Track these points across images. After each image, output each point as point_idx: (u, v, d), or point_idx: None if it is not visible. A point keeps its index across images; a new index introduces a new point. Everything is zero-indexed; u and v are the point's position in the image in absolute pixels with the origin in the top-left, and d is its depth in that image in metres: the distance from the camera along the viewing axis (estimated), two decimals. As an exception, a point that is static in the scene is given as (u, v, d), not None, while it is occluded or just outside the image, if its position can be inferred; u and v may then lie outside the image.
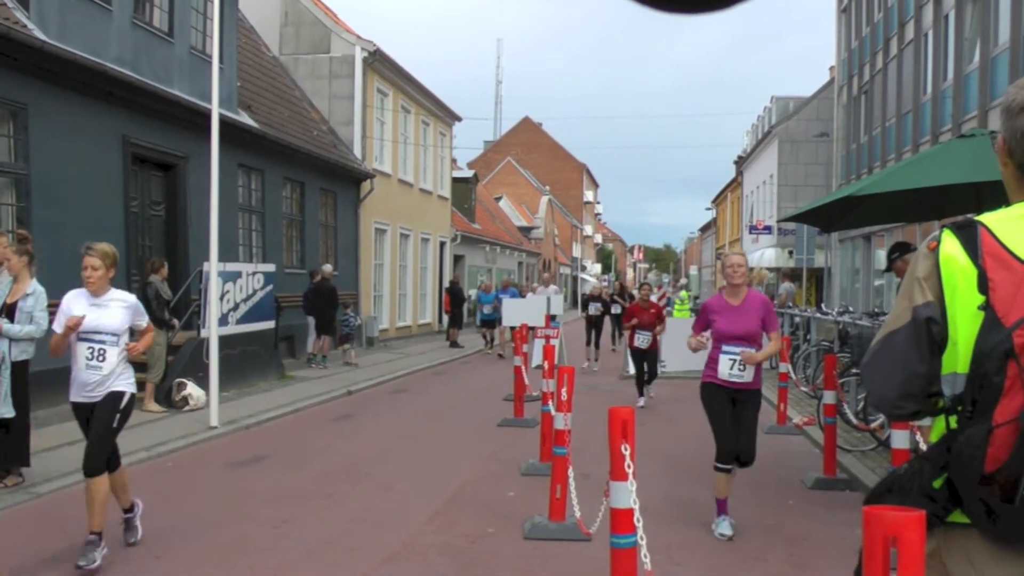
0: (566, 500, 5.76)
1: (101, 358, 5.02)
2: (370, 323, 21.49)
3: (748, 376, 5.73)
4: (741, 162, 47.27)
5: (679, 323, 14.46)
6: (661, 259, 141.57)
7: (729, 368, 5.73)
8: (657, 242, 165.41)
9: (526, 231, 48.93)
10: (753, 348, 5.75)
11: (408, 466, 8.06)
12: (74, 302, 5.07)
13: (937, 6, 20.56)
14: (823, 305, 19.89)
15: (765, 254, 35.15)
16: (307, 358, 16.68)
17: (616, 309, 19.64)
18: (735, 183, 49.60)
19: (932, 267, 1.68)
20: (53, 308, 5.55)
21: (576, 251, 69.86)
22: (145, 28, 12.59)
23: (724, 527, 5.73)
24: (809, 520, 6.23)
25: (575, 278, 66.51)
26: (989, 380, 1.57)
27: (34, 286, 6.58)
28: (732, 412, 5.79)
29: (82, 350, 5.02)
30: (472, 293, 28.01)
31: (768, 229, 34.78)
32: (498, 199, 47.97)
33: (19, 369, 6.55)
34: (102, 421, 5.03)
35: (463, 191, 33.02)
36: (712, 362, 5.85)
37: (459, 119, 29.90)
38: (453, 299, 23.51)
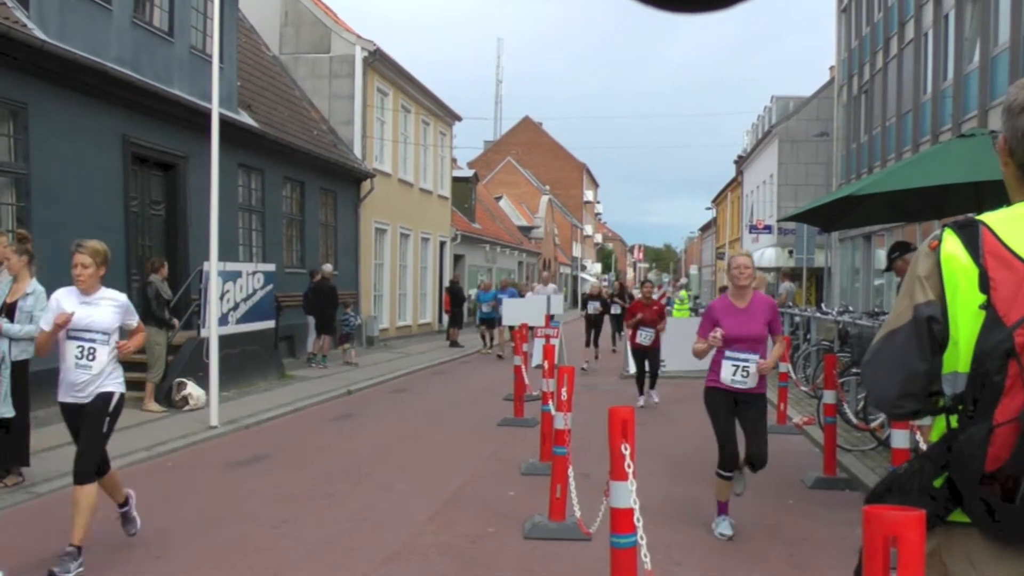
0: (566, 500, 5.75)
1: (91, 357, 4.92)
2: (370, 323, 21.49)
3: (751, 382, 5.61)
4: (741, 162, 47.27)
5: (679, 323, 14.47)
6: (661, 259, 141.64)
7: (732, 374, 5.61)
8: (657, 242, 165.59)
9: (526, 231, 48.94)
10: (758, 353, 5.64)
11: (408, 466, 8.06)
12: (64, 300, 4.98)
13: (937, 6, 20.55)
14: (823, 305, 19.90)
15: (765, 254, 35.15)
16: (307, 358, 16.68)
17: (616, 309, 19.59)
18: (735, 183, 49.60)
19: (933, 266, 1.68)
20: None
21: (576, 251, 69.88)
22: (145, 28, 12.59)
23: (724, 527, 5.73)
24: (809, 520, 6.23)
25: (575, 278, 66.54)
26: (990, 379, 1.57)
27: (34, 285, 6.58)
28: (745, 415, 5.65)
29: (71, 349, 4.91)
30: (472, 293, 28.02)
31: (768, 229, 34.79)
32: (498, 199, 47.97)
33: (19, 369, 6.55)
34: (92, 426, 4.91)
35: (463, 191, 33.02)
36: (715, 366, 5.72)
37: (459, 119, 29.91)
38: (453, 299, 23.52)
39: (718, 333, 5.54)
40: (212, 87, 9.97)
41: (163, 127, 12.93)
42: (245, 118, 15.56)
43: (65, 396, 5.00)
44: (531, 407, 10.63)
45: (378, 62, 22.00)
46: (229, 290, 12.04)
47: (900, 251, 7.66)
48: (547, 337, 14.42)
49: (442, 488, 7.12)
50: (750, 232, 38.35)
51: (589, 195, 76.79)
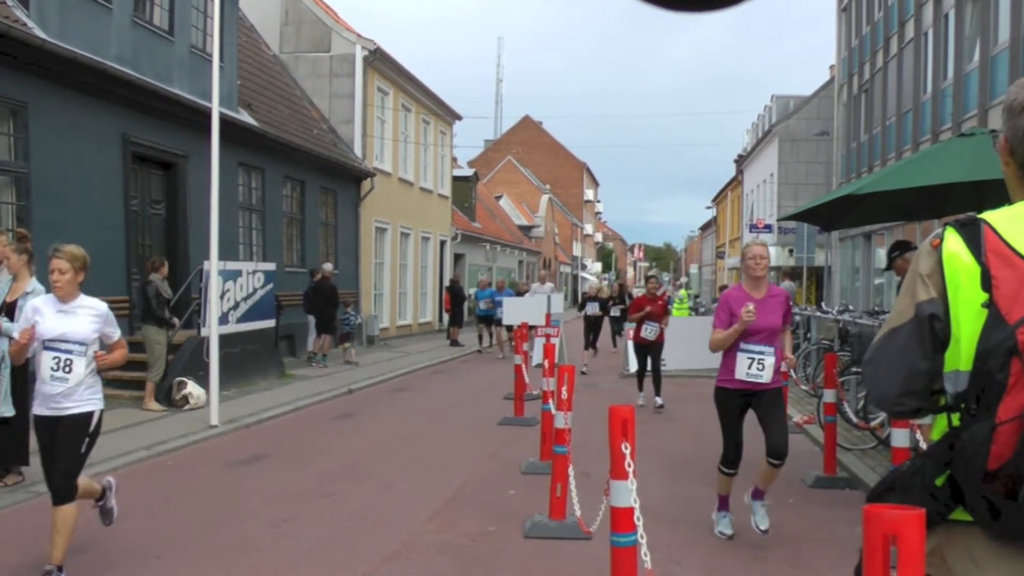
0: (566, 499, 5.75)
1: (67, 369, 4.63)
2: (370, 322, 21.49)
3: (767, 376, 5.40)
4: (741, 161, 47.27)
5: (678, 322, 14.46)
6: (661, 258, 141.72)
7: (747, 368, 5.38)
8: (657, 241, 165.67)
9: (526, 230, 48.95)
10: (773, 345, 5.45)
11: (408, 465, 8.06)
12: (42, 308, 4.75)
13: (937, 5, 20.55)
14: (823, 304, 19.91)
15: (765, 253, 35.10)
16: (307, 357, 16.68)
17: (615, 312, 19.45)
18: (735, 182, 49.59)
19: (935, 264, 1.68)
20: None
21: (576, 250, 69.88)
22: (145, 27, 12.59)
23: (724, 525, 5.72)
24: (809, 519, 6.23)
25: (575, 277, 66.55)
26: (992, 377, 1.57)
27: (34, 284, 6.58)
28: (761, 408, 5.46)
29: (47, 360, 4.64)
30: (472, 292, 28.06)
31: (768, 228, 34.76)
32: (498, 198, 47.97)
33: (19, 368, 6.54)
34: (70, 448, 4.63)
35: (463, 190, 33.02)
36: (728, 362, 5.49)
37: (459, 118, 29.90)
38: (453, 298, 23.51)
39: (751, 307, 5.28)
40: (212, 86, 9.97)
41: (163, 126, 12.93)
42: (245, 117, 15.56)
43: (40, 408, 4.72)
44: (531, 406, 10.63)
45: (378, 61, 21.99)
46: (229, 289, 12.04)
47: (900, 250, 7.66)
48: (547, 336, 14.43)
49: (442, 487, 7.12)
50: (750, 231, 38.28)
51: (589, 194, 76.80)
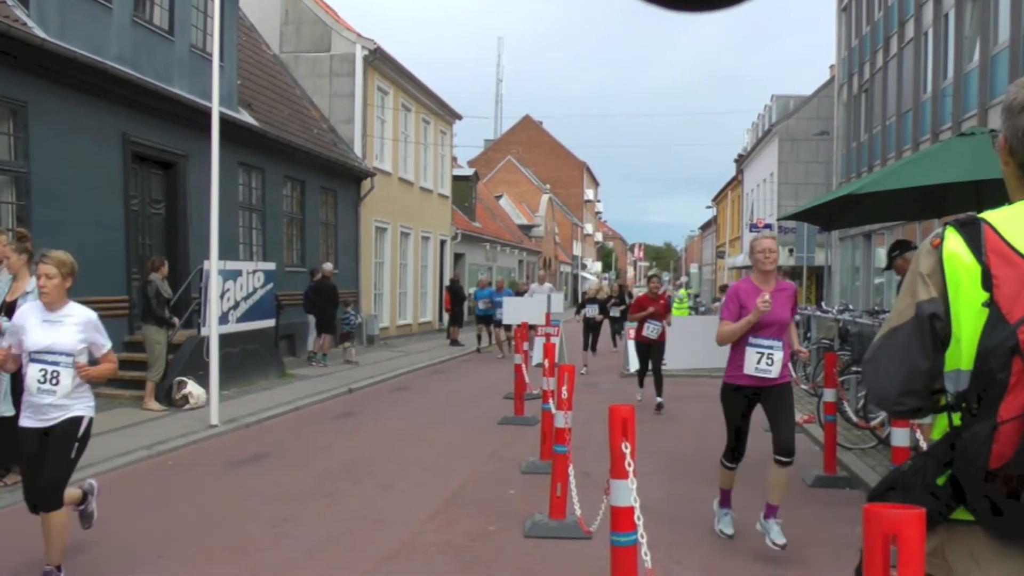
0: (566, 498, 5.75)
1: (55, 381, 4.52)
2: (370, 321, 21.50)
3: (776, 371, 5.34)
4: (741, 160, 47.27)
5: (678, 321, 14.45)
6: (662, 257, 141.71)
7: (756, 362, 5.30)
8: (658, 240, 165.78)
9: (526, 229, 48.95)
10: (782, 339, 5.40)
11: (409, 464, 8.07)
12: (29, 316, 4.65)
13: (937, 5, 20.55)
14: (823, 303, 19.91)
15: (765, 252, 35.11)
16: (307, 356, 16.68)
17: (615, 312, 19.40)
18: (735, 181, 49.60)
19: (935, 264, 1.68)
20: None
21: (576, 249, 69.88)
22: (145, 26, 12.58)
23: (725, 524, 5.72)
24: (809, 518, 6.23)
25: (575, 276, 66.56)
26: (994, 377, 1.57)
27: (33, 284, 6.57)
28: (769, 404, 5.41)
29: (34, 372, 4.53)
30: (471, 291, 28.06)
31: (768, 227, 34.77)
32: (499, 197, 47.97)
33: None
34: (60, 452, 4.54)
35: (463, 189, 33.01)
36: (736, 357, 5.41)
37: (459, 117, 29.89)
38: (454, 297, 23.51)
39: (767, 296, 5.22)
40: (212, 86, 9.96)
41: (163, 126, 12.93)
42: (245, 117, 15.56)
43: (27, 420, 4.61)
44: (531, 406, 10.63)
45: (378, 61, 21.99)
46: (229, 289, 12.04)
47: (900, 249, 7.66)
48: (548, 336, 14.43)
49: (443, 487, 7.12)
50: (750, 231, 38.31)
51: (589, 194, 76.79)
